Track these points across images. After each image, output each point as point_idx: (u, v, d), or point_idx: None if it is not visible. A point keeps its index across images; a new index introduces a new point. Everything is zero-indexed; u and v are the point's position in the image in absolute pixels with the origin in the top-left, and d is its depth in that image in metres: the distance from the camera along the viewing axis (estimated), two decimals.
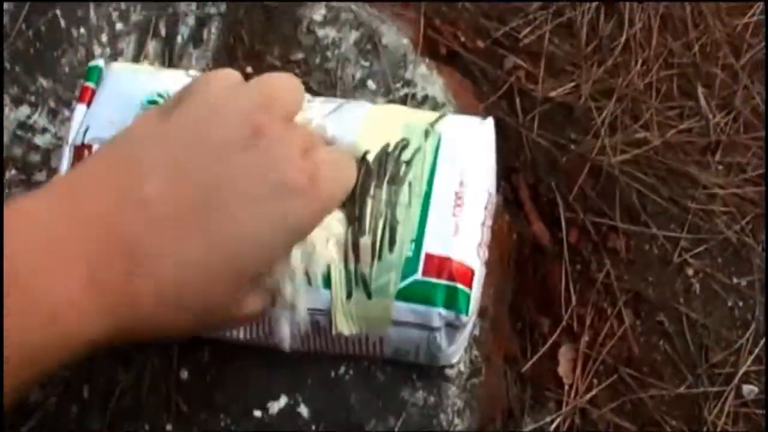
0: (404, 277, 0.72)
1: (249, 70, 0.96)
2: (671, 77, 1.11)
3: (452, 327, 0.74)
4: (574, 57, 1.09)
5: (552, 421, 0.90)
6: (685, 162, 1.05)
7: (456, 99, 0.98)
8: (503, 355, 0.90)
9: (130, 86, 0.80)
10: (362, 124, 0.77)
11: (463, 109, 0.97)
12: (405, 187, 0.74)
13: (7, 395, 0.52)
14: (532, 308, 0.95)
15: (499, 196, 0.93)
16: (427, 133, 0.77)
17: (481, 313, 0.88)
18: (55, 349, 0.54)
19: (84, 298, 0.54)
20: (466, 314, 0.72)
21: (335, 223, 0.72)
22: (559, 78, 1.08)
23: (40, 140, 0.92)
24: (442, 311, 0.72)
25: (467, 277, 0.73)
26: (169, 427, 0.84)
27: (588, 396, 0.92)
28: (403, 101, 0.96)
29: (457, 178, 0.76)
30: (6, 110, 0.93)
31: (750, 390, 0.95)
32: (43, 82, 0.95)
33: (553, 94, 1.06)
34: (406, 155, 0.76)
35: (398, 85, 0.97)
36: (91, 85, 0.80)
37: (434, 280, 0.72)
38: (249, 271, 0.63)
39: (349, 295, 0.72)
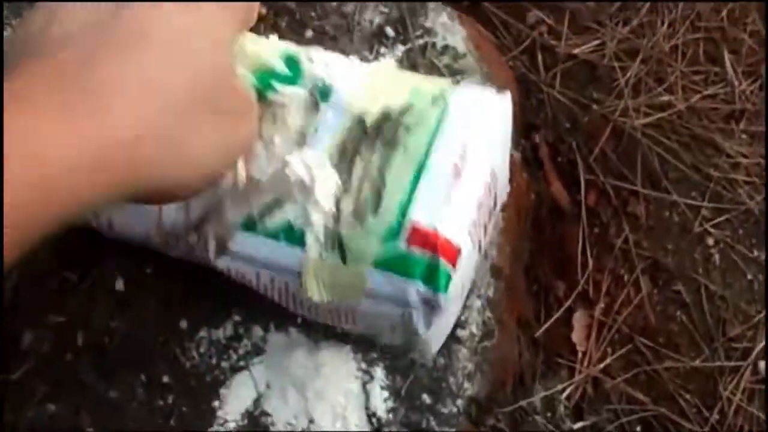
0: (384, 244, 0.67)
1: (263, 11, 0.93)
2: (698, 41, 1.08)
3: (429, 306, 0.68)
4: (598, 14, 1.06)
5: (563, 390, 0.87)
6: (709, 129, 1.02)
7: (477, 51, 0.94)
8: (517, 318, 0.86)
9: None
10: (366, 81, 0.73)
11: (484, 62, 0.93)
12: (400, 151, 0.70)
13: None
14: (548, 271, 0.92)
15: (518, 153, 0.89)
16: (434, 99, 0.72)
17: (497, 273, 0.85)
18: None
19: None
20: (445, 293, 0.67)
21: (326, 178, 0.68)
22: (583, 35, 1.05)
23: None
24: (420, 287, 0.66)
25: (452, 254, 0.67)
26: (166, 378, 0.81)
27: (601, 365, 0.89)
28: (423, 50, 0.92)
29: (459, 149, 0.70)
30: None
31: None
32: None
33: (576, 51, 1.03)
34: (407, 119, 0.71)
35: (418, 33, 0.93)
36: None
37: (416, 251, 0.66)
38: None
39: (322, 258, 0.68)
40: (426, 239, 0.67)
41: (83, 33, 0.57)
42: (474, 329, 0.84)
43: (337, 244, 0.67)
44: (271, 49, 0.70)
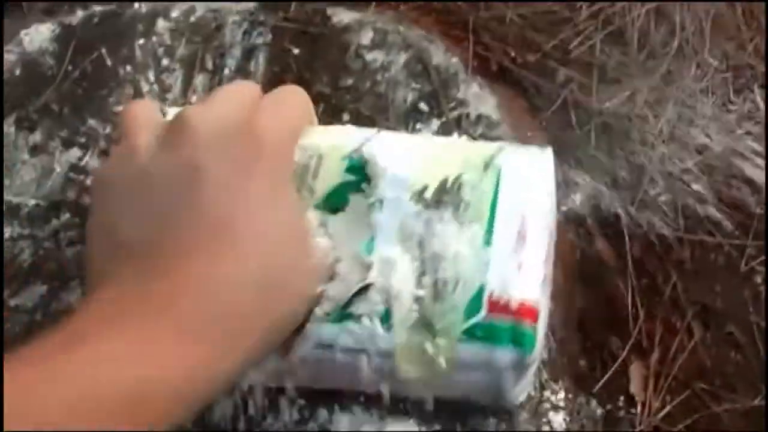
0: (468, 317, 0.70)
1: None
2: (726, 80, 1.09)
3: (518, 367, 0.71)
4: (626, 65, 1.07)
5: None
6: (746, 166, 1.02)
7: (510, 116, 0.96)
8: (574, 377, 0.88)
9: None
10: (417, 157, 0.76)
11: (518, 126, 0.95)
12: (465, 224, 0.72)
13: None
14: (600, 326, 0.93)
15: (560, 214, 0.91)
16: (486, 167, 0.75)
17: (550, 334, 0.87)
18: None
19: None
20: (532, 353, 0.70)
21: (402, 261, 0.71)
22: (613, 88, 1.06)
23: None
24: (508, 351, 0.70)
25: (533, 314, 0.70)
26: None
27: (662, 414, 0.89)
28: (457, 122, 0.95)
29: (519, 214, 0.73)
30: (57, 153, 0.93)
31: None
32: (92, 122, 0.94)
33: (608, 104, 1.04)
34: (465, 191, 0.73)
35: (451, 105, 0.96)
36: None
37: (499, 319, 0.69)
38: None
39: (412, 337, 0.71)
40: (507, 307, 0.69)
41: (160, 228, 0.61)
42: (532, 392, 0.85)
43: (422, 323, 0.70)
44: (338, 163, 0.74)
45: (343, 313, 0.71)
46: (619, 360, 0.91)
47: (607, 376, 0.90)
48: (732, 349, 0.94)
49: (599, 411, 0.89)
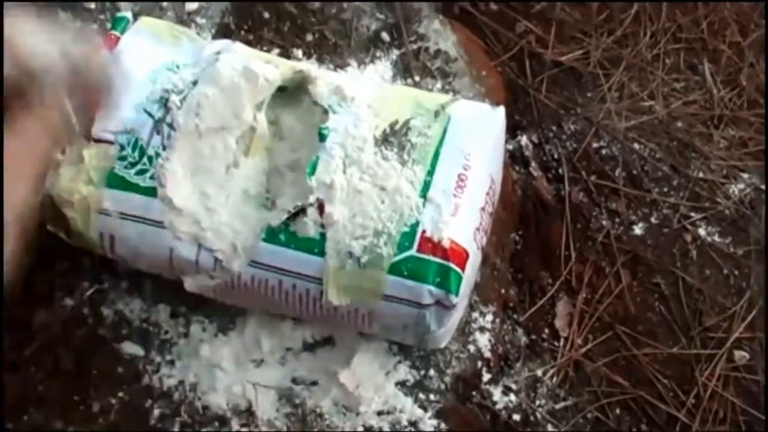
0: (399, 251, 0.74)
1: (266, 15, 0.98)
2: (678, 51, 1.13)
3: (441, 306, 0.75)
4: (584, 25, 1.11)
5: (546, 372, 0.91)
6: (689, 133, 1.06)
7: (467, 55, 0.99)
8: (503, 303, 0.91)
9: (149, 50, 0.83)
10: (373, 99, 0.80)
11: (474, 64, 0.98)
12: (409, 165, 0.76)
13: None
14: (533, 262, 0.96)
15: (506, 152, 0.94)
16: (437, 114, 0.79)
17: (483, 260, 0.89)
18: None
19: None
20: (456, 295, 0.73)
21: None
22: (569, 44, 1.10)
23: None
24: (433, 289, 0.73)
25: (461, 258, 0.74)
26: (180, 358, 0.84)
27: (583, 350, 0.93)
28: (416, 54, 0.98)
29: (462, 160, 0.77)
30: None
31: (741, 355, 0.97)
32: None
33: (562, 59, 1.08)
34: (413, 133, 0.77)
35: (412, 38, 0.99)
36: (116, 33, 0.83)
37: (428, 257, 0.74)
38: None
39: (341, 265, 0.74)
40: (437, 246, 0.74)
41: None
42: (461, 312, 0.88)
43: (355, 252, 0.74)
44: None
45: (279, 236, 0.75)
46: (548, 295, 0.95)
47: (534, 308, 0.94)
48: (657, 299, 0.98)
49: (524, 339, 0.92)
